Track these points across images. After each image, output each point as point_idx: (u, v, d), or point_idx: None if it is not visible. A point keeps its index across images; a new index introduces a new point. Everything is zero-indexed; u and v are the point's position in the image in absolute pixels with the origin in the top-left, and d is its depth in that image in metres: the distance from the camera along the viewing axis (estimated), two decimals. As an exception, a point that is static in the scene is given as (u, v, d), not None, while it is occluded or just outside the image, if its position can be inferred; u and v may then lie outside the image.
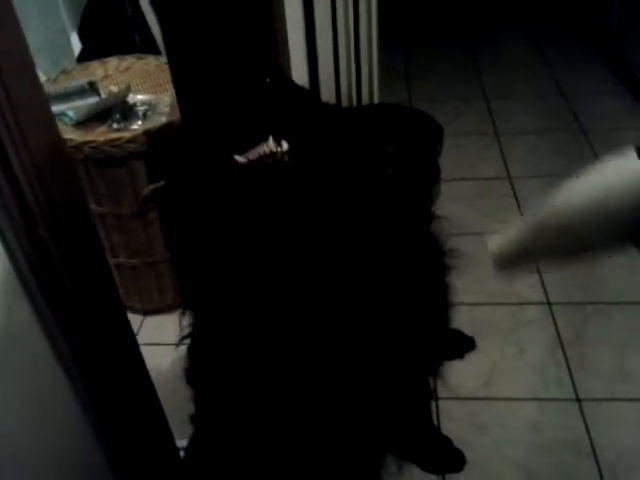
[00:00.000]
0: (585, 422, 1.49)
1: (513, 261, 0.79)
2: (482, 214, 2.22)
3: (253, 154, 1.01)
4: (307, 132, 1.10)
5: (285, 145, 1.03)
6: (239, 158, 1.01)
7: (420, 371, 1.33)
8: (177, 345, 1.27)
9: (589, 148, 2.50)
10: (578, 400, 1.55)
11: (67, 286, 0.84)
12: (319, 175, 1.08)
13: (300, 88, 1.22)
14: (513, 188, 2.33)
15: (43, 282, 0.83)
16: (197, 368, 1.31)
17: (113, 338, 0.99)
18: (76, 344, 0.90)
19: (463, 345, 1.70)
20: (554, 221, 0.72)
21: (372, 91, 2.35)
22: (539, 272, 1.93)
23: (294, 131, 1.09)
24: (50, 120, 0.85)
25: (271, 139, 1.03)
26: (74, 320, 0.88)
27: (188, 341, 1.33)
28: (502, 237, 0.77)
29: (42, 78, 2.02)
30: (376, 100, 2.40)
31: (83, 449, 1.04)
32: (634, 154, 0.65)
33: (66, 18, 2.50)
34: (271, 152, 1.01)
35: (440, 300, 1.43)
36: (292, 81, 1.16)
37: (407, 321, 1.16)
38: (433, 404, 1.55)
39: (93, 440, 1.02)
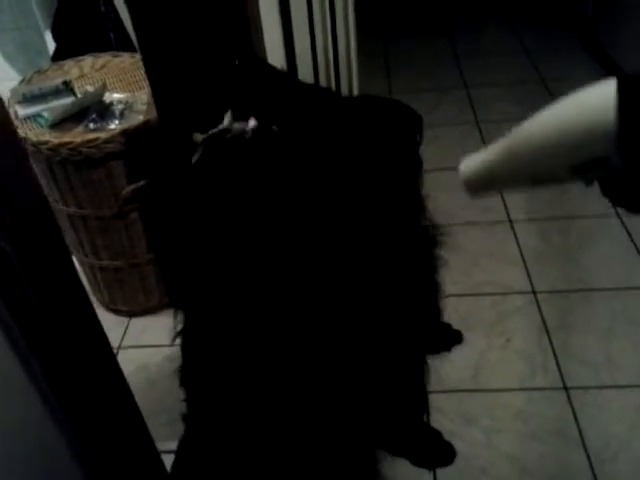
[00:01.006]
0: (573, 410, 1.50)
1: (482, 184, 0.77)
2: (465, 204, 2.21)
3: (212, 131, 0.99)
4: (281, 111, 1.08)
5: (252, 122, 1.00)
6: (197, 136, 0.99)
7: (410, 364, 1.33)
8: (171, 344, 1.25)
9: (570, 134, 2.51)
10: (565, 388, 1.56)
11: (32, 301, 0.82)
12: (290, 154, 1.06)
13: (275, 69, 1.19)
14: (495, 177, 2.33)
15: (8, 298, 0.79)
16: (190, 368, 1.30)
17: (87, 351, 0.96)
18: (48, 361, 0.88)
19: (450, 338, 1.70)
20: (516, 145, 0.71)
21: (351, 83, 2.33)
22: (523, 261, 1.94)
23: (266, 110, 1.07)
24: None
25: (228, 115, 1.01)
26: (43, 336, 0.86)
27: (179, 341, 1.31)
28: (471, 160, 0.75)
29: (17, 79, 1.99)
30: (355, 91, 2.38)
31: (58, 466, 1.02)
32: (613, 84, 0.63)
33: (39, 17, 2.45)
34: (227, 129, 0.99)
35: (431, 291, 1.43)
36: (265, 63, 1.14)
37: (398, 312, 1.16)
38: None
39: (69, 458, 1.00)
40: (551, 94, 2.78)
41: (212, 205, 1.15)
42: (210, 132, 1.01)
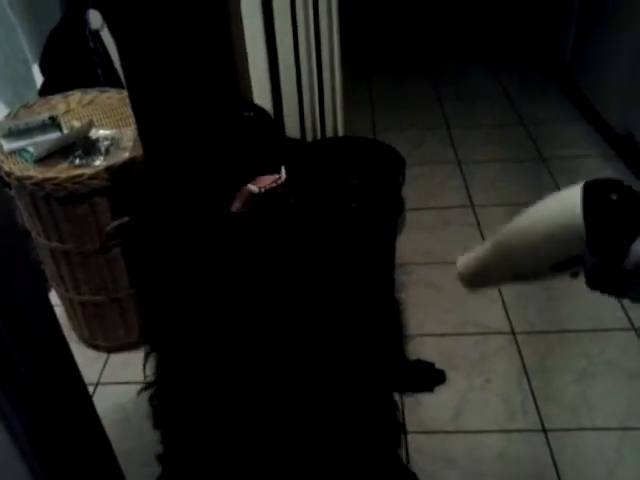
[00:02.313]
0: (551, 452, 1.51)
1: (476, 279, 0.82)
2: (446, 243, 2.25)
3: (264, 183, 0.99)
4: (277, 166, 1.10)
5: (283, 174, 1.02)
6: (253, 187, 1.00)
7: (384, 404, 1.33)
8: (143, 390, 1.24)
9: (549, 176, 2.56)
10: (544, 430, 1.56)
11: (12, 355, 0.81)
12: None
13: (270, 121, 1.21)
14: (476, 216, 2.37)
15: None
16: (164, 410, 1.29)
17: (67, 406, 0.95)
18: (30, 421, 0.87)
19: (433, 378, 1.70)
20: (500, 246, 0.77)
21: (336, 122, 2.38)
22: (503, 301, 1.96)
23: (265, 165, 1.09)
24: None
25: (283, 169, 1.02)
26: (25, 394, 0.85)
27: (154, 382, 1.31)
28: (466, 257, 0.81)
29: (4, 111, 2.00)
30: (340, 130, 2.42)
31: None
32: (578, 190, 0.69)
33: (28, 50, 2.47)
34: (283, 183, 1.00)
35: (394, 332, 1.44)
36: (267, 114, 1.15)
37: (362, 351, 1.17)
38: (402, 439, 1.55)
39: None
40: (530, 136, 2.85)
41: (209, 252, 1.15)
42: (264, 186, 1.00)
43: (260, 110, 1.07)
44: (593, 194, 0.68)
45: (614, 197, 0.67)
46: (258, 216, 1.01)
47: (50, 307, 0.92)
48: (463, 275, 0.82)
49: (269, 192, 1.00)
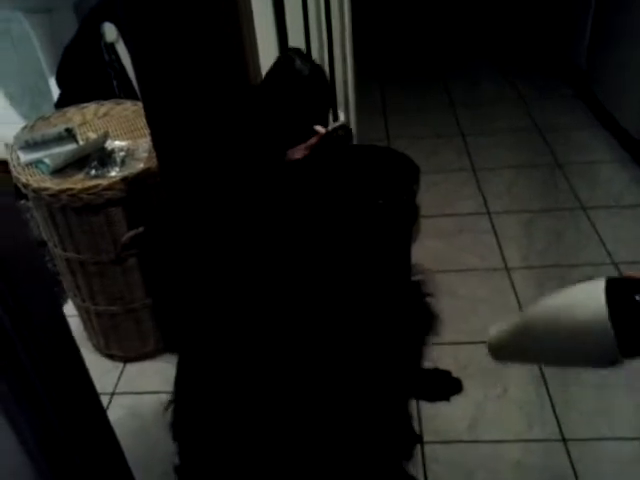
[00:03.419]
0: (571, 462, 1.49)
1: (506, 355, 0.83)
2: (462, 250, 2.23)
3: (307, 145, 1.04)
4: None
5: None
6: (320, 128, 1.05)
7: (397, 413, 1.32)
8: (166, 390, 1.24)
9: (565, 182, 2.54)
10: (563, 440, 1.54)
11: (24, 363, 0.81)
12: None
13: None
14: (492, 223, 2.36)
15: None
16: (182, 422, 1.29)
17: (80, 417, 0.95)
18: (40, 428, 0.87)
19: (449, 387, 1.69)
20: (532, 332, 0.76)
21: (349, 122, 2.38)
22: (520, 308, 1.94)
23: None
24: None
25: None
26: (36, 401, 0.85)
27: (172, 393, 1.31)
28: (498, 328, 0.80)
29: (21, 123, 2.02)
30: (354, 138, 2.42)
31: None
32: (601, 291, 0.67)
33: (44, 63, 2.51)
34: (341, 125, 1.06)
35: (414, 339, 1.43)
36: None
37: (379, 356, 1.16)
38: (419, 448, 1.54)
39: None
40: (546, 142, 2.83)
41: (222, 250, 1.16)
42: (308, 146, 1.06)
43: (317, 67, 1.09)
44: (617, 295, 0.67)
45: (638, 298, 0.66)
46: (324, 157, 1.07)
47: (62, 316, 0.92)
48: (492, 347, 0.81)
49: (330, 133, 1.06)
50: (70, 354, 0.97)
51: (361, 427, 1.15)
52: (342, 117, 2.24)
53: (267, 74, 1.10)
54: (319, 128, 1.05)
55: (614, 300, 0.66)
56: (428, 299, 1.42)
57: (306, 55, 1.08)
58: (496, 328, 0.81)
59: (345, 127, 1.09)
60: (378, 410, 1.18)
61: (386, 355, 1.18)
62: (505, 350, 0.81)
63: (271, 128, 1.08)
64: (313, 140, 1.05)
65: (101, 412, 1.03)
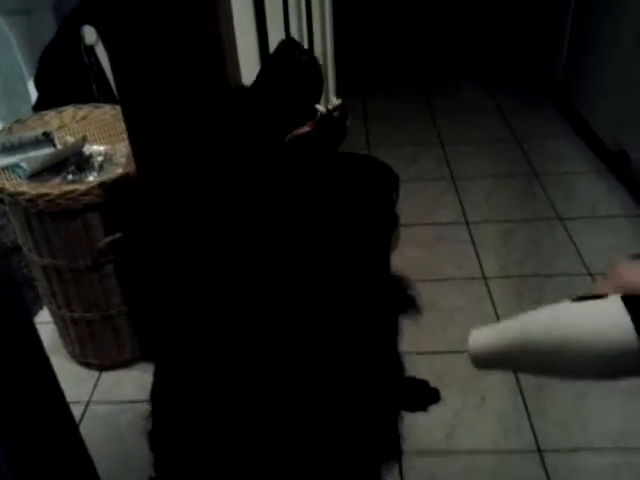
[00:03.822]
0: (546, 473, 1.50)
1: (491, 363, 0.77)
2: (440, 260, 2.24)
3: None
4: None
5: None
6: (320, 107, 1.10)
7: (383, 419, 1.32)
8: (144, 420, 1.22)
9: (543, 192, 2.57)
10: (539, 450, 1.55)
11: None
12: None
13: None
14: (470, 233, 2.37)
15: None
16: (160, 432, 1.27)
17: (51, 429, 0.93)
18: (8, 440, 0.85)
19: (427, 397, 1.69)
20: (532, 347, 0.71)
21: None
22: (497, 318, 1.95)
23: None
24: None
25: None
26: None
27: (149, 402, 1.29)
28: (482, 336, 0.75)
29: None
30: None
31: None
32: (620, 307, 0.64)
33: (23, 65, 2.48)
34: (337, 106, 1.10)
35: (392, 347, 1.43)
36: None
37: (359, 364, 1.16)
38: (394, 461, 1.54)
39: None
40: (524, 152, 2.86)
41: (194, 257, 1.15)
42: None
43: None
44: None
45: None
46: (323, 135, 1.10)
47: (32, 325, 0.91)
48: (477, 356, 0.76)
49: (330, 112, 1.11)
50: (40, 364, 0.95)
51: (343, 436, 1.15)
52: (335, 100, 2.25)
53: (267, 61, 1.14)
54: (320, 107, 1.10)
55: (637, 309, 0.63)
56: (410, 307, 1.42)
57: (302, 46, 1.13)
58: (481, 337, 0.76)
59: (342, 107, 1.13)
60: (362, 417, 1.18)
61: (368, 360, 1.18)
62: (495, 361, 0.76)
63: (276, 110, 1.10)
64: (316, 117, 1.10)
65: (72, 424, 1.01)
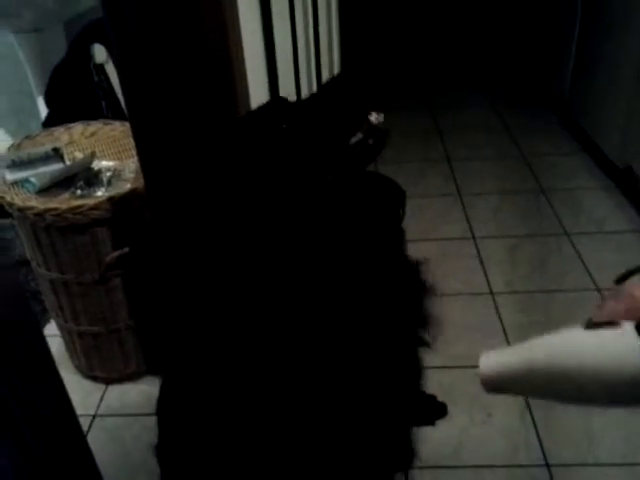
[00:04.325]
0: (555, 488, 1.49)
1: (502, 386, 0.78)
2: (447, 275, 2.24)
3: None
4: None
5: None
6: (372, 118, 1.20)
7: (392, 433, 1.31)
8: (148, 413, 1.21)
9: (550, 208, 2.57)
10: (547, 465, 1.54)
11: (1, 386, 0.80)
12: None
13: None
14: (477, 248, 2.37)
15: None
16: (167, 445, 1.27)
17: (59, 443, 0.93)
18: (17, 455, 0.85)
19: (435, 411, 1.68)
20: (543, 375, 0.72)
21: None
22: (505, 334, 1.95)
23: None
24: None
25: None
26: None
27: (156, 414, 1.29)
28: (492, 360, 0.76)
29: (8, 142, 2.02)
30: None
31: None
32: (634, 338, 0.64)
33: (33, 82, 2.51)
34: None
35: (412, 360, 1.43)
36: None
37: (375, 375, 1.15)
38: (402, 474, 1.53)
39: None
40: (530, 169, 2.86)
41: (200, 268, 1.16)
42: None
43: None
44: None
45: None
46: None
47: (42, 339, 0.91)
48: (487, 379, 0.77)
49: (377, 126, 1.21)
50: (50, 377, 0.96)
51: (352, 447, 1.14)
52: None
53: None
54: (372, 117, 1.19)
55: None
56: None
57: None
58: (492, 360, 0.77)
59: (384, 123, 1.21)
60: (374, 426, 1.17)
61: (384, 367, 1.18)
62: (506, 385, 0.77)
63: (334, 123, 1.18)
64: (366, 125, 1.19)
65: (80, 436, 1.02)
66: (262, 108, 1.26)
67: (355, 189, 1.45)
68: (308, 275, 1.09)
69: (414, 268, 1.30)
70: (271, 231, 1.11)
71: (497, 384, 0.77)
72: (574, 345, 0.68)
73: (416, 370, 1.48)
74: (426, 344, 1.35)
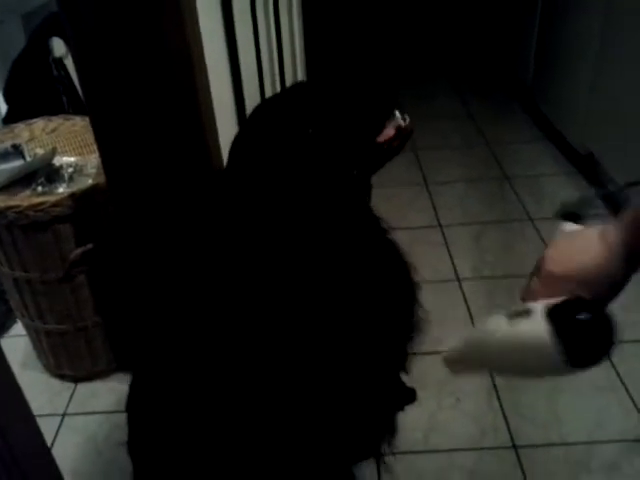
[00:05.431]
0: (522, 469, 1.51)
1: (462, 371, 0.94)
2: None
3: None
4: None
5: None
6: (400, 121, 1.19)
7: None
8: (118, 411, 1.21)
9: (513, 194, 2.61)
10: (514, 447, 1.57)
11: None
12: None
13: None
14: (444, 236, 2.40)
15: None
16: (137, 440, 1.26)
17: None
18: None
19: (404, 397, 1.69)
20: (481, 359, 0.84)
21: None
22: (472, 320, 1.97)
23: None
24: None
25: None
26: None
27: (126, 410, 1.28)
28: (451, 352, 0.87)
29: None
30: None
31: None
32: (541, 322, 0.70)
33: (-9, 78, 2.46)
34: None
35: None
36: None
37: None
38: (373, 460, 1.54)
39: None
40: (495, 156, 2.90)
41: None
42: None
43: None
44: (559, 320, 0.69)
45: (583, 317, 0.69)
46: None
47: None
48: (449, 366, 0.89)
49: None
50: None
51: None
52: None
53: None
54: (400, 119, 1.19)
55: (559, 324, 0.69)
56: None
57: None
58: (450, 353, 0.87)
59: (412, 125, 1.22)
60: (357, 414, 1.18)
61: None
62: (462, 369, 0.91)
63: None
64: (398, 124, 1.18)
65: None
66: (281, 97, 1.25)
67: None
68: (271, 266, 1.09)
69: (406, 264, 1.30)
70: (238, 228, 1.10)
71: (458, 368, 0.91)
72: (495, 336, 0.77)
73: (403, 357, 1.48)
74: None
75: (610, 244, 0.70)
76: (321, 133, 1.11)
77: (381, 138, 1.17)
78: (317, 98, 1.17)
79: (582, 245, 0.74)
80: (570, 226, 0.83)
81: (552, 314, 0.69)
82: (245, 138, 1.13)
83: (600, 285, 0.70)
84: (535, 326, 0.70)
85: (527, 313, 0.71)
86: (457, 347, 0.85)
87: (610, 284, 0.71)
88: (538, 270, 0.78)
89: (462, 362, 0.88)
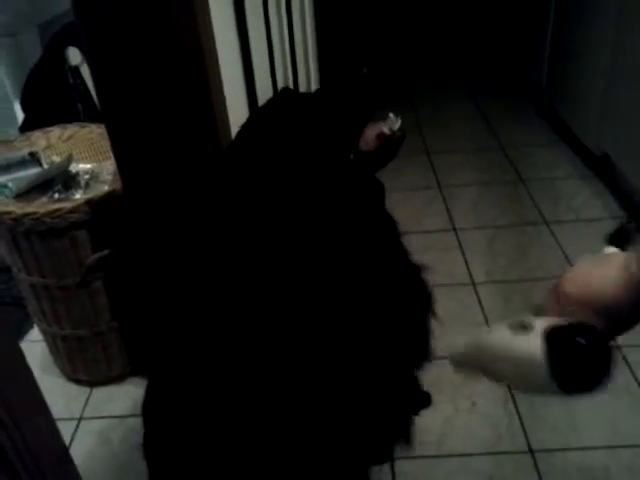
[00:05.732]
0: (539, 474, 1.50)
1: (464, 366, 0.89)
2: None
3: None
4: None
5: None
6: (385, 129, 1.17)
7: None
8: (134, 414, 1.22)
9: (529, 198, 2.59)
10: (531, 451, 1.56)
11: None
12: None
13: None
14: (458, 240, 2.39)
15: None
16: (153, 440, 1.27)
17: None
18: None
19: (419, 401, 1.69)
20: (482, 368, 0.83)
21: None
22: (487, 324, 1.97)
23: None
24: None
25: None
26: None
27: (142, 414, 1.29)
28: (457, 343, 0.86)
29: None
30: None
31: None
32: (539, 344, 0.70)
33: (9, 87, 2.49)
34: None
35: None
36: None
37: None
38: (388, 464, 1.54)
39: None
40: (509, 159, 2.88)
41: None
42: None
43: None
44: (556, 342, 0.69)
45: (579, 342, 0.68)
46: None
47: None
48: (452, 359, 0.88)
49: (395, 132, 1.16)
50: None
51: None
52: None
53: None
54: (391, 116, 1.15)
55: (554, 345, 0.69)
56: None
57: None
58: (459, 340, 0.85)
59: (403, 129, 1.18)
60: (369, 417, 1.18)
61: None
62: (468, 369, 0.88)
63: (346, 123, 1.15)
64: (384, 130, 1.16)
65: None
66: (273, 102, 1.25)
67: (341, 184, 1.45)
68: (310, 264, 1.09)
69: (418, 270, 1.29)
70: (253, 225, 1.11)
71: (463, 368, 0.88)
72: (494, 344, 0.77)
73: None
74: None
75: (632, 275, 0.69)
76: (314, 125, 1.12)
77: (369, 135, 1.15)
78: (305, 99, 1.17)
79: (603, 272, 0.72)
80: (613, 250, 0.81)
81: (551, 334, 0.69)
82: (240, 146, 1.16)
83: (614, 314, 0.69)
84: (532, 343, 0.70)
85: (529, 328, 0.71)
86: (460, 346, 0.85)
87: (625, 315, 0.70)
88: (555, 288, 0.77)
89: (464, 364, 0.87)
